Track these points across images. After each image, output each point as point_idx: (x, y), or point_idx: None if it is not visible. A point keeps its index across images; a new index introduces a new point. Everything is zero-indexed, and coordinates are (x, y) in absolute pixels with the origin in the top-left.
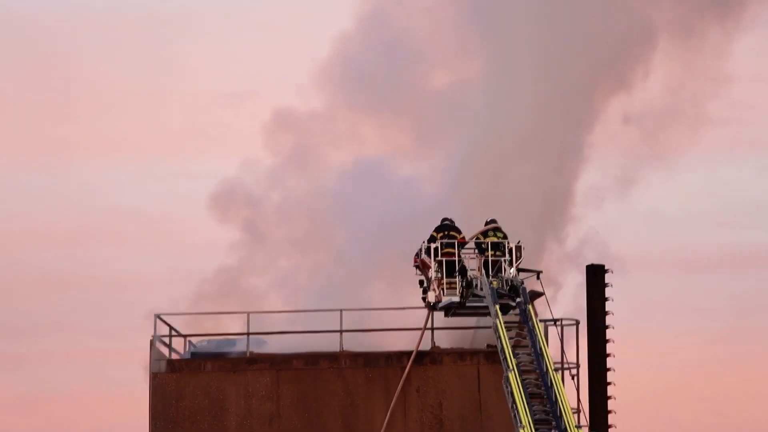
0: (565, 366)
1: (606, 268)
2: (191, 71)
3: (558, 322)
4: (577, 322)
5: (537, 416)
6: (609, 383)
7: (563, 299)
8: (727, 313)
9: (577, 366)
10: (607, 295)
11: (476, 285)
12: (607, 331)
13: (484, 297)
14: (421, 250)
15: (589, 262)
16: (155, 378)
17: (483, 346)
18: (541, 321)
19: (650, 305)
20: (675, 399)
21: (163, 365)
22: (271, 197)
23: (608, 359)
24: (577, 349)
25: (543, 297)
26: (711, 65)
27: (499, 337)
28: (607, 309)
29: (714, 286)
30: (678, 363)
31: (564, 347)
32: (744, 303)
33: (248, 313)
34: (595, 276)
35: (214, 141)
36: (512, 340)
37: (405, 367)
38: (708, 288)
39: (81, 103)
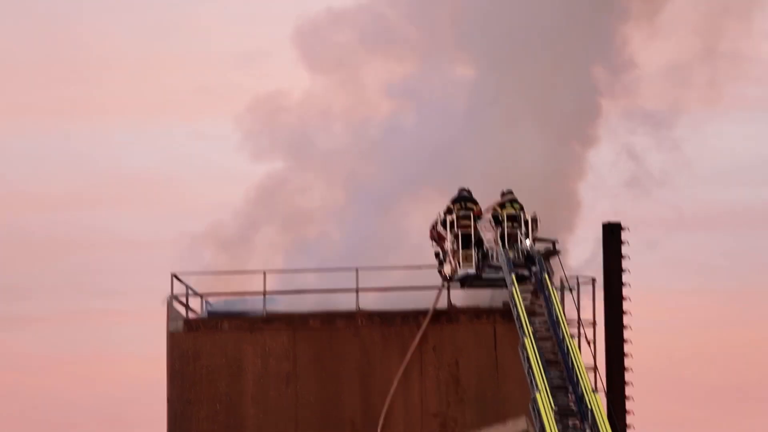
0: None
1: (622, 225)
2: (201, 31)
3: (574, 281)
4: (594, 280)
5: (554, 382)
6: (625, 341)
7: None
8: (744, 270)
9: (594, 324)
10: (623, 253)
11: (492, 256)
12: (624, 289)
13: (500, 267)
14: (437, 222)
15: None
16: (173, 337)
17: (500, 304)
18: (557, 289)
19: (666, 263)
20: (691, 357)
21: (180, 325)
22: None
23: (624, 317)
24: (594, 307)
25: (557, 257)
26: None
27: (515, 304)
28: (623, 267)
29: (730, 243)
30: (694, 321)
31: (580, 305)
32: (762, 260)
33: (264, 272)
34: (612, 234)
35: (226, 102)
36: (527, 307)
37: (421, 326)
38: (725, 245)
39: (90, 66)
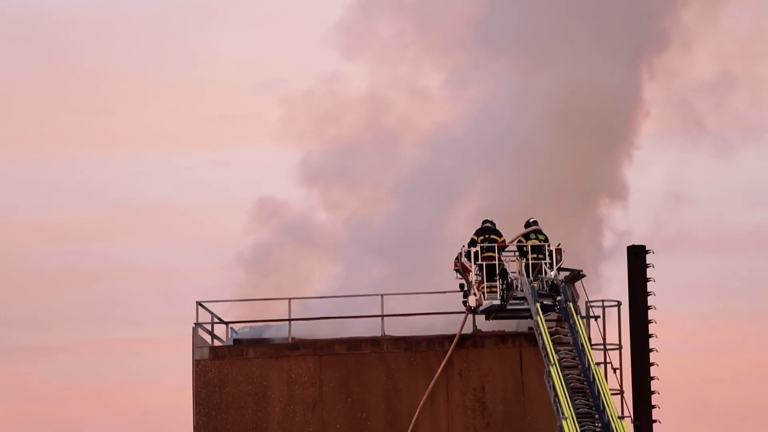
0: (607, 348)
1: (647, 248)
2: (218, 61)
3: (597, 305)
4: (619, 303)
5: (580, 410)
6: (652, 364)
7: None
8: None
9: (620, 347)
10: (648, 276)
11: (516, 286)
12: (649, 311)
13: (525, 298)
14: (461, 254)
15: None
16: (198, 365)
17: (525, 329)
18: (581, 316)
19: (689, 285)
20: (718, 380)
21: (205, 352)
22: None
23: (651, 340)
24: (620, 330)
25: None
26: None
27: (540, 334)
28: (648, 290)
29: (750, 265)
30: (720, 343)
31: (605, 331)
32: None
33: (290, 299)
34: (637, 257)
35: (243, 130)
36: (554, 337)
37: (447, 351)
38: (745, 267)
39: (109, 97)
